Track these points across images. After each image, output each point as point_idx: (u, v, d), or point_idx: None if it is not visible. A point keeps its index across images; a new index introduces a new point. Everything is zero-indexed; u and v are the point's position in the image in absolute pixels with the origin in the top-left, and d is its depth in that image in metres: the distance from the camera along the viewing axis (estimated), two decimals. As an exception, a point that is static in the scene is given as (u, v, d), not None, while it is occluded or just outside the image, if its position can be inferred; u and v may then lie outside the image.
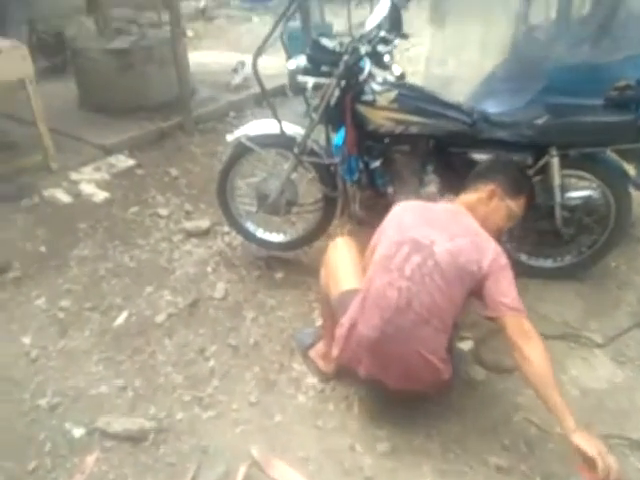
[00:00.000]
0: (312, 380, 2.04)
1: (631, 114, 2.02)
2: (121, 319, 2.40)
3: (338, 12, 8.94)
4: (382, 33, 2.00)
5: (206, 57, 6.65)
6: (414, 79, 2.71)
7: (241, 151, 2.47)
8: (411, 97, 2.12)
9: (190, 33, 7.95)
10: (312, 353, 2.11)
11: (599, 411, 1.84)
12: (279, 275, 2.66)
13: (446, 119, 2.12)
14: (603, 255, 2.38)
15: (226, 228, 3.03)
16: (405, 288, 1.60)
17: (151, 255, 2.87)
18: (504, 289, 1.56)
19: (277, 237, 2.73)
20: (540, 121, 2.09)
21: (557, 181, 2.14)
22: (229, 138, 2.45)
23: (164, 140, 4.30)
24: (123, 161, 3.95)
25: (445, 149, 2.22)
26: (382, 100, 2.11)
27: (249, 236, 2.75)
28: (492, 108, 2.34)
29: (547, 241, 2.34)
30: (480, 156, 2.16)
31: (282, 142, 2.37)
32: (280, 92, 5.41)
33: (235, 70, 5.35)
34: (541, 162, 2.13)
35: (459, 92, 2.68)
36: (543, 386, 1.46)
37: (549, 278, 2.46)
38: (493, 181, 1.73)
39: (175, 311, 2.43)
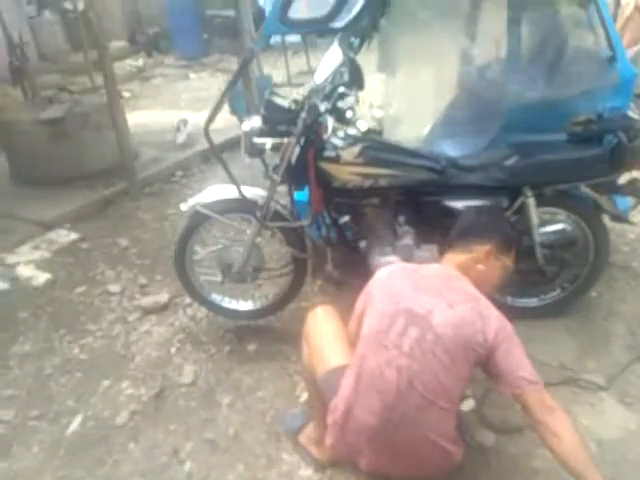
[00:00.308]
0: (306, 472, 1.81)
1: (599, 148, 2.01)
2: (75, 425, 2.08)
3: (275, 63, 9.10)
4: (341, 88, 1.90)
5: (145, 117, 6.49)
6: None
7: (198, 220, 2.28)
8: (376, 149, 2.03)
9: (126, 94, 7.78)
10: (303, 438, 1.88)
11: (621, 464, 1.71)
12: (252, 347, 2.43)
13: (414, 169, 2.04)
14: (586, 288, 2.33)
15: (187, 299, 2.78)
16: (405, 367, 1.42)
17: (105, 342, 2.57)
18: (518, 361, 1.41)
19: (246, 305, 2.52)
20: (510, 162, 2.04)
21: (535, 220, 2.09)
22: (183, 207, 2.25)
23: (108, 208, 4.03)
24: (65, 235, 3.65)
25: (417, 199, 2.13)
26: (346, 155, 2.00)
27: (215, 308, 2.52)
28: (452, 151, 2.29)
29: (530, 280, 2.27)
30: (454, 203, 2.08)
31: (242, 207, 2.21)
32: (228, 147, 5.32)
33: (178, 129, 5.20)
34: (517, 203, 2.07)
35: (416, 137, 2.63)
36: (578, 464, 1.31)
37: (535, 318, 2.37)
38: (489, 241, 1.61)
39: (138, 407, 2.14)
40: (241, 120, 2.20)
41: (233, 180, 2.04)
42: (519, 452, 1.81)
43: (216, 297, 2.49)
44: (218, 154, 2.02)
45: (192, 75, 9.45)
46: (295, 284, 2.39)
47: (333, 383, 1.58)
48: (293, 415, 1.98)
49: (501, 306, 2.28)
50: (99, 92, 7.10)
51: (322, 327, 1.72)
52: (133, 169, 4.11)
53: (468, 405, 1.97)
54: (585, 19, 2.18)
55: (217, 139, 5.20)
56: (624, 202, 2.31)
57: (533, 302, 2.37)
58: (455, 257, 1.61)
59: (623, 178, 2.13)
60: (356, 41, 2.25)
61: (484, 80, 2.38)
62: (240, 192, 2.06)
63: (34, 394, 2.24)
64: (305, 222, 2.12)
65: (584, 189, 2.06)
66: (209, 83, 8.84)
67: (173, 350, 2.46)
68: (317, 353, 1.66)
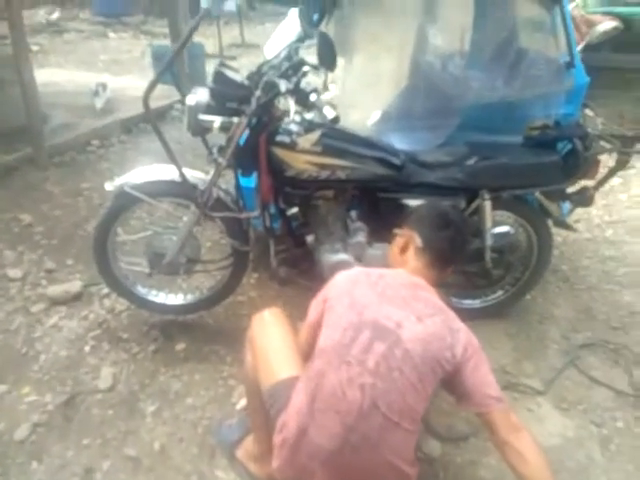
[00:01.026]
0: (245, 491, 1.63)
1: (555, 155, 1.99)
2: (-39, 441, 1.73)
3: (204, 32, 8.54)
4: (305, 67, 1.69)
5: (56, 76, 5.79)
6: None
7: (125, 202, 1.97)
8: (336, 138, 1.85)
9: (34, 47, 6.91)
10: (240, 453, 1.69)
11: (561, 471, 1.72)
12: (181, 346, 2.18)
13: (374, 162, 1.89)
14: (526, 291, 2.35)
15: (105, 289, 2.45)
16: (369, 386, 1.27)
17: (1, 337, 2.19)
18: (485, 378, 1.33)
19: (175, 299, 2.25)
20: (470, 163, 1.97)
21: (489, 224, 2.04)
22: (109, 187, 1.94)
23: (9, 177, 3.50)
24: (-47, 207, 3.11)
25: (372, 194, 1.99)
26: (303, 142, 1.80)
27: (139, 301, 2.23)
28: (403, 145, 2.18)
29: (476, 283, 2.24)
30: (410, 201, 1.97)
31: (179, 191, 1.94)
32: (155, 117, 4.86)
33: (96, 93, 4.65)
34: (473, 205, 2.00)
35: (367, 126, 2.49)
36: None
37: (477, 319, 2.35)
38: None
39: (43, 417, 1.82)
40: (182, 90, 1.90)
41: (173, 159, 1.77)
42: (465, 461, 1.77)
43: (141, 290, 2.21)
44: (158, 129, 1.73)
45: (111, 34, 8.65)
46: (233, 278, 2.17)
47: (282, 397, 1.40)
48: (229, 426, 1.78)
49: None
50: (1, 42, 6.25)
51: (269, 333, 1.53)
52: (41, 133, 3.61)
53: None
54: (548, 23, 2.14)
55: (140, 109, 4.81)
56: (564, 207, 2.35)
57: (476, 304, 2.36)
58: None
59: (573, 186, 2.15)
60: (316, 15, 2.05)
61: (445, 72, 2.28)
62: (181, 174, 1.79)
63: None
64: (254, 213, 1.91)
65: (537, 195, 2.05)
66: (130, 45, 8.13)
67: (87, 349, 2.14)
68: (263, 361, 1.48)
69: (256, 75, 1.93)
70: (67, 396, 1.90)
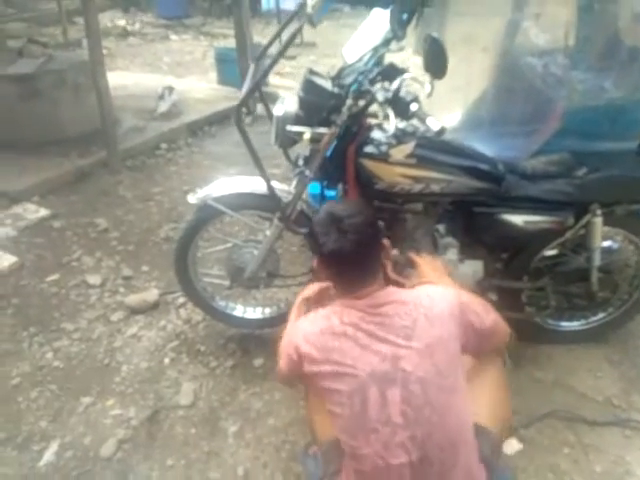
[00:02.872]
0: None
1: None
2: (49, 455, 1.74)
3: (262, 31, 8.56)
4: (406, 74, 1.56)
5: (123, 79, 5.92)
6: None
7: (208, 214, 1.92)
8: (430, 149, 1.72)
9: (103, 51, 7.13)
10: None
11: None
12: (259, 362, 2.12)
13: (472, 174, 1.74)
14: (633, 315, 2.13)
15: (181, 298, 2.44)
16: (408, 440, 1.13)
17: (83, 346, 2.21)
18: (484, 314, 1.29)
19: (254, 313, 2.20)
20: (580, 175, 1.78)
21: (599, 242, 1.84)
22: (191, 199, 1.89)
23: (84, 181, 3.58)
24: (34, 211, 3.20)
25: (466, 208, 1.84)
26: (397, 154, 1.68)
27: (217, 314, 2.19)
28: (491, 152, 2.01)
29: (578, 305, 2.04)
30: (509, 216, 1.81)
31: (262, 204, 1.87)
32: (216, 120, 4.88)
33: (161, 96, 4.72)
34: (582, 221, 1.82)
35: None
36: None
37: (575, 342, 2.16)
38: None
39: (128, 433, 1.81)
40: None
41: (261, 171, 1.69)
42: None
43: (220, 302, 2.16)
44: (249, 141, 1.64)
45: (173, 36, 8.79)
46: (313, 293, 2.08)
47: (334, 460, 1.30)
48: (314, 458, 1.68)
49: (540, 329, 2.13)
50: (72, 47, 6.50)
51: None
52: (115, 138, 3.67)
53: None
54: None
55: (204, 112, 4.88)
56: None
57: (574, 326, 2.15)
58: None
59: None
60: (405, 15, 1.91)
61: (544, 72, 2.08)
62: (269, 187, 1.71)
63: (-2, 411, 1.88)
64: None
65: (652, 210, 1.83)
66: (192, 46, 8.23)
67: (166, 361, 2.13)
68: (309, 422, 1.38)
69: (339, 80, 1.83)
70: (150, 411, 1.89)
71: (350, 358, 1.17)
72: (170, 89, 4.77)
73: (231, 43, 6.57)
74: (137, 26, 8.99)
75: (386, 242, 1.34)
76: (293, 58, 7.24)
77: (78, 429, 1.82)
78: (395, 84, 1.53)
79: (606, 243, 1.99)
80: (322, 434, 1.30)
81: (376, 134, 1.75)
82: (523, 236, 1.84)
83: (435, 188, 1.73)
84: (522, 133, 2.13)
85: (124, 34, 8.39)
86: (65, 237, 2.99)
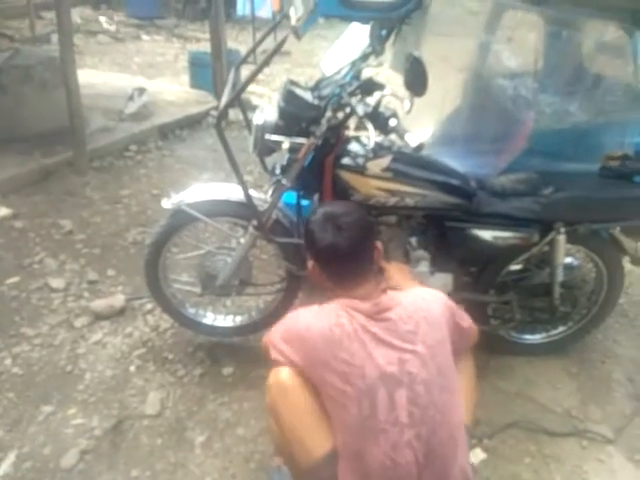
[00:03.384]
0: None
1: (636, 189, 1.87)
2: (6, 466, 1.66)
3: (236, 37, 8.54)
4: (386, 89, 1.60)
5: (92, 77, 5.77)
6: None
7: (181, 221, 1.90)
8: (406, 163, 1.76)
9: (70, 48, 6.93)
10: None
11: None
12: (228, 370, 2.10)
13: (445, 190, 1.79)
14: (590, 329, 2.22)
15: (149, 304, 2.39)
16: (414, 438, 1.18)
17: (45, 352, 2.13)
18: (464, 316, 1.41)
19: (224, 321, 2.17)
20: (546, 194, 1.85)
21: (562, 259, 1.92)
22: (165, 204, 1.87)
23: (49, 181, 3.47)
24: (-7, 210, 3.07)
25: (438, 222, 1.89)
26: (373, 167, 1.71)
27: (186, 321, 2.15)
28: (461, 169, 2.07)
29: (539, 318, 2.12)
30: (479, 231, 1.86)
31: (238, 211, 1.86)
32: (186, 124, 4.82)
33: (131, 97, 4.63)
34: (547, 239, 1.89)
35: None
36: None
37: (535, 354, 2.24)
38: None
39: (90, 444, 1.75)
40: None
41: (241, 182, 1.68)
42: None
43: (190, 310, 2.13)
44: (231, 154, 1.63)
45: (145, 37, 8.65)
46: (285, 302, 2.08)
47: (327, 474, 1.26)
48: (280, 471, 1.67)
49: (503, 341, 2.20)
50: (39, 42, 6.30)
51: (293, 403, 1.31)
52: (83, 137, 3.56)
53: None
54: (628, 48, 2.03)
55: (175, 115, 4.81)
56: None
57: (536, 339, 2.23)
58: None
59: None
60: (384, 31, 1.95)
61: (514, 94, 2.17)
62: (247, 195, 1.70)
63: (-49, 420, 1.79)
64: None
65: (611, 230, 1.93)
66: (164, 48, 8.12)
67: (132, 369, 2.07)
68: (294, 439, 1.29)
69: (317, 91, 1.85)
70: (114, 420, 1.83)
71: (359, 359, 1.19)
72: (141, 90, 4.69)
73: (204, 47, 6.54)
74: (112, 26, 8.79)
75: (379, 245, 1.37)
76: (267, 66, 7.24)
77: (38, 439, 1.75)
78: (375, 99, 1.56)
79: (568, 260, 2.08)
80: (304, 460, 1.26)
81: (353, 146, 1.78)
82: (491, 251, 1.91)
83: (410, 202, 1.77)
84: (492, 151, 2.21)
85: (93, 32, 8.19)
86: (27, 238, 2.88)
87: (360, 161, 1.73)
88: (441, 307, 1.32)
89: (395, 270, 1.68)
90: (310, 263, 1.35)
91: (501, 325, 2.16)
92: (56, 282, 2.52)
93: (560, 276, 1.96)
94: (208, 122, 4.90)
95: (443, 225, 1.89)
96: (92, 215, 3.15)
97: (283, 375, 1.30)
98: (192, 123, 4.78)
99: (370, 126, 1.54)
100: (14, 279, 2.54)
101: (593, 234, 1.96)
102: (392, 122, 1.54)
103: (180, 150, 4.28)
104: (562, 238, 1.89)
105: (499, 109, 2.22)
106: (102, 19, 8.33)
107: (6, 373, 2.00)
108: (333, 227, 1.27)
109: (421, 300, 1.31)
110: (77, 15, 8.79)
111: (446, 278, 1.96)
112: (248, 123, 1.93)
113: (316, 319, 1.27)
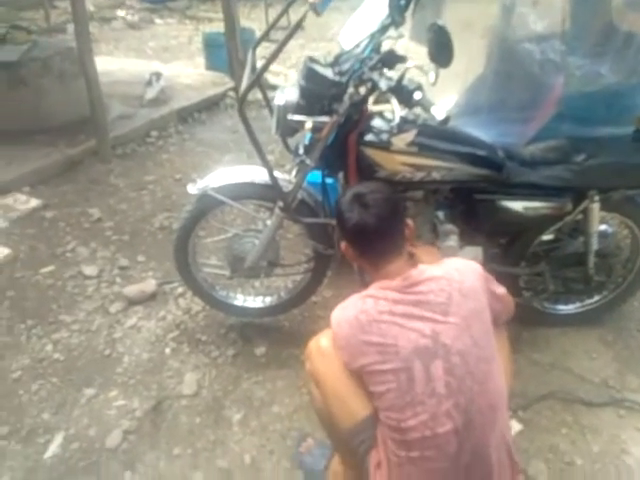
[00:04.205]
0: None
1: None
2: (55, 447, 1.74)
3: (248, 14, 8.41)
4: (409, 62, 1.56)
5: (109, 64, 5.77)
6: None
7: (207, 205, 1.91)
8: (432, 136, 1.72)
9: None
10: (331, 476, 1.62)
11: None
12: (261, 350, 2.13)
13: (473, 161, 1.75)
14: (627, 297, 2.17)
15: (179, 288, 2.43)
16: (453, 408, 1.19)
17: (83, 338, 2.20)
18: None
19: (254, 302, 2.20)
20: (578, 161, 1.80)
21: (596, 227, 1.87)
22: (191, 190, 1.88)
23: (74, 171, 3.52)
24: (24, 202, 3.15)
25: (466, 195, 1.85)
26: (398, 142, 1.68)
27: (217, 304, 2.19)
28: (488, 138, 2.02)
29: (574, 288, 2.08)
30: (509, 203, 1.82)
31: (263, 193, 1.86)
32: (204, 107, 4.81)
33: (149, 82, 4.63)
34: (580, 207, 1.84)
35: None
36: None
37: (570, 325, 2.21)
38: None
39: (133, 424, 1.81)
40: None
41: (264, 161, 1.67)
42: None
43: (220, 292, 2.16)
44: (254, 136, 1.62)
45: (158, 20, 8.60)
46: (314, 281, 2.09)
47: (368, 436, 1.30)
48: (311, 454, 1.69)
49: (536, 313, 2.17)
50: (55, 33, 6.33)
51: (333, 367, 1.34)
52: (105, 125, 3.60)
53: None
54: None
55: (193, 98, 4.80)
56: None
57: (570, 309, 2.19)
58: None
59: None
60: (402, 1, 1.89)
61: (541, 58, 2.08)
62: (272, 176, 1.70)
63: None
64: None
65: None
66: (177, 30, 8.07)
67: (167, 351, 2.13)
68: (336, 401, 1.33)
69: (337, 67, 1.82)
70: (154, 401, 1.89)
71: (391, 337, 1.20)
72: (158, 75, 4.68)
73: (217, 27, 6.45)
74: (119, 11, 8.76)
75: (410, 222, 1.37)
76: (285, 45, 7.13)
77: (82, 421, 1.82)
78: (397, 72, 1.52)
79: (602, 227, 2.03)
80: (346, 421, 1.29)
81: (377, 122, 1.74)
82: (522, 222, 1.87)
83: (436, 176, 1.74)
84: (519, 119, 2.14)
85: (107, 18, 8.18)
86: (58, 228, 2.95)
87: (384, 137, 1.70)
88: (476, 276, 1.31)
89: (425, 254, 1.66)
90: (343, 243, 1.35)
91: (534, 296, 2.13)
92: (89, 269, 2.58)
93: (594, 245, 1.91)
94: (226, 104, 4.88)
95: (471, 198, 1.85)
96: (119, 202, 3.20)
97: (323, 341, 1.36)
98: (210, 105, 4.77)
99: (394, 100, 1.51)
100: (49, 268, 2.61)
101: (628, 200, 1.90)
102: (417, 95, 1.50)
103: (200, 133, 4.29)
104: (596, 206, 1.84)
105: (526, 75, 2.13)
106: (121, 13, 8.28)
107: (48, 359, 2.08)
108: (360, 205, 1.28)
109: (454, 271, 1.30)
110: (90, 3, 8.77)
111: (476, 251, 1.93)
112: (269, 104, 1.91)
113: (343, 312, 1.29)
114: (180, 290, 2.43)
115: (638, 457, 1.73)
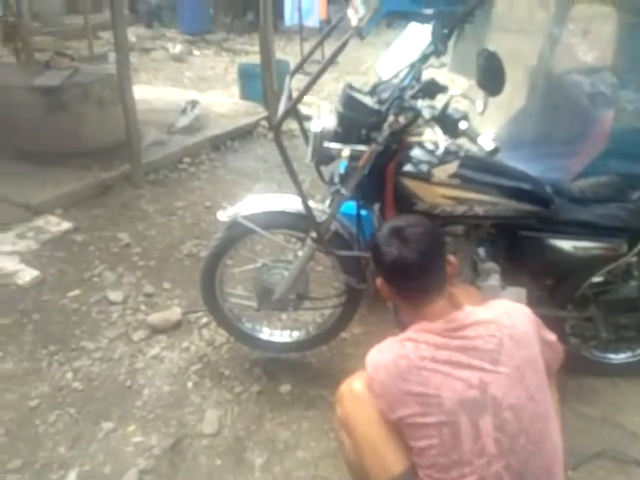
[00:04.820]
0: None
1: None
2: (68, 484, 1.65)
3: (284, 48, 8.60)
4: (455, 90, 1.49)
5: (146, 93, 5.93)
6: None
7: (237, 233, 1.85)
8: (476, 169, 1.63)
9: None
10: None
11: None
12: (286, 388, 2.02)
13: (519, 196, 1.65)
14: (682, 348, 1.99)
15: (204, 318, 2.36)
16: (504, 469, 1.07)
17: (104, 366, 2.13)
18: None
19: (281, 337, 2.10)
20: (634, 199, 1.68)
21: (653, 271, 1.73)
22: (221, 216, 1.82)
23: (107, 195, 3.54)
24: (56, 224, 3.16)
25: (510, 232, 1.74)
26: (439, 173, 1.60)
27: (242, 336, 2.10)
28: (533, 172, 1.91)
29: (625, 336, 1.92)
30: (557, 241, 1.70)
31: (295, 223, 1.79)
32: (237, 135, 4.85)
33: (184, 110, 4.70)
34: (636, 249, 1.71)
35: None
36: None
37: (619, 375, 2.04)
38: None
39: (150, 463, 1.71)
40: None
41: (300, 192, 1.61)
42: None
43: (246, 324, 2.08)
44: (290, 164, 1.57)
45: (195, 52, 8.87)
46: (344, 317, 1.99)
47: None
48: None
49: (584, 361, 2.01)
50: (97, 61, 6.57)
51: (367, 414, 1.22)
52: (139, 151, 3.63)
53: None
54: None
55: (226, 126, 4.85)
56: None
57: (621, 358, 2.03)
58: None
59: None
60: (445, 30, 1.84)
61: (591, 90, 1.99)
62: (306, 206, 1.63)
63: (14, 436, 1.80)
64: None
65: None
66: (214, 62, 8.30)
67: (190, 385, 2.04)
68: (370, 452, 1.21)
69: (375, 96, 1.76)
70: (173, 439, 1.79)
71: (433, 387, 1.09)
72: (194, 103, 4.76)
73: (252, 59, 6.60)
74: (159, 42, 9.08)
75: (452, 258, 1.26)
76: (324, 72, 7.24)
77: (98, 457, 1.73)
78: (440, 101, 1.45)
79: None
80: (380, 475, 1.18)
81: (416, 152, 1.67)
82: (571, 262, 1.74)
83: (479, 210, 1.64)
84: (565, 153, 2.05)
85: (147, 49, 8.48)
86: (87, 251, 2.94)
87: (424, 167, 1.62)
88: (527, 321, 1.20)
89: (464, 294, 1.54)
90: (378, 280, 1.26)
91: (582, 343, 1.98)
92: (114, 295, 2.54)
93: (651, 289, 1.77)
94: (258, 133, 4.91)
95: (516, 235, 1.74)
96: (148, 228, 3.19)
97: (357, 385, 1.25)
98: (243, 134, 4.81)
99: (438, 130, 1.43)
100: (75, 292, 2.58)
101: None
102: (462, 125, 1.42)
103: (232, 161, 4.30)
104: (654, 247, 1.70)
105: (574, 107, 2.05)
106: (169, 46, 8.59)
107: (67, 388, 2.01)
108: (399, 239, 1.20)
109: (503, 315, 1.19)
110: (132, 34, 9.13)
111: (519, 292, 1.80)
112: (304, 132, 1.86)
113: (380, 355, 1.20)
114: (204, 320, 2.35)
115: None
